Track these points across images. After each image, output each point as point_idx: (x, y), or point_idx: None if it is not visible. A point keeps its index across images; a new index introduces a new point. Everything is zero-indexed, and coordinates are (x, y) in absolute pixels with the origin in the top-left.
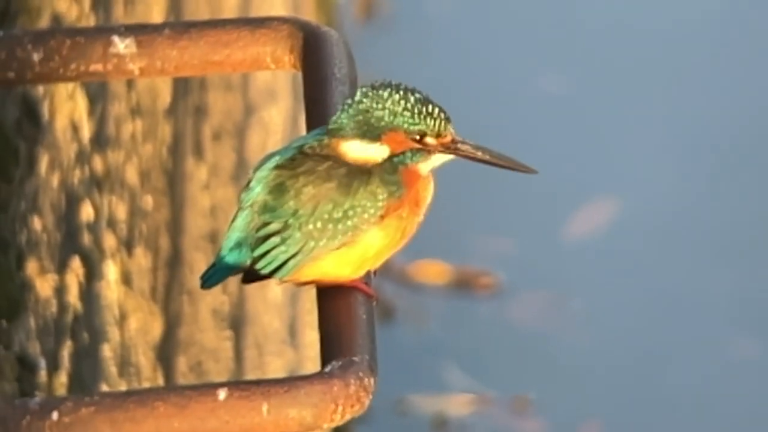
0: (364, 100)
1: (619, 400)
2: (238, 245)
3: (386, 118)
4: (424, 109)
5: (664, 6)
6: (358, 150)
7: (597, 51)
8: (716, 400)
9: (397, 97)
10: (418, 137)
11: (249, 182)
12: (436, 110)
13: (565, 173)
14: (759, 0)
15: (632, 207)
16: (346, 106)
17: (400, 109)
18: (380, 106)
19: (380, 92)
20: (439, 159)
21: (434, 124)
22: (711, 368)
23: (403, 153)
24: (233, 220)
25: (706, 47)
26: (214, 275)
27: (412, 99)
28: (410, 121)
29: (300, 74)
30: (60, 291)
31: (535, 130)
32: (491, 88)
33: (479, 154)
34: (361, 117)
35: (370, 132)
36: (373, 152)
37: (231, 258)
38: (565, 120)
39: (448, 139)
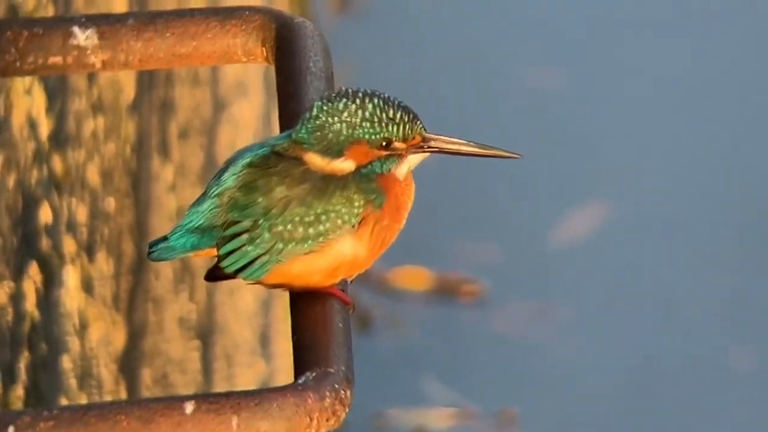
0: (320, 114)
1: (609, 413)
2: (200, 231)
3: (345, 132)
4: (384, 116)
5: None
6: (321, 165)
7: (587, 43)
8: (709, 411)
9: (353, 107)
10: (384, 144)
11: (221, 173)
12: (399, 113)
13: (552, 175)
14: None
15: (623, 211)
16: (304, 120)
17: (358, 120)
18: (336, 119)
19: (335, 104)
20: (414, 160)
21: (398, 129)
22: (704, 379)
23: (370, 163)
24: (197, 203)
25: (703, 43)
26: (165, 251)
27: (369, 107)
28: (371, 131)
29: (273, 68)
30: (16, 299)
31: (520, 128)
32: (473, 83)
33: (455, 147)
34: (319, 132)
35: (331, 147)
36: (338, 167)
37: (189, 242)
38: (551, 118)
39: (418, 140)
